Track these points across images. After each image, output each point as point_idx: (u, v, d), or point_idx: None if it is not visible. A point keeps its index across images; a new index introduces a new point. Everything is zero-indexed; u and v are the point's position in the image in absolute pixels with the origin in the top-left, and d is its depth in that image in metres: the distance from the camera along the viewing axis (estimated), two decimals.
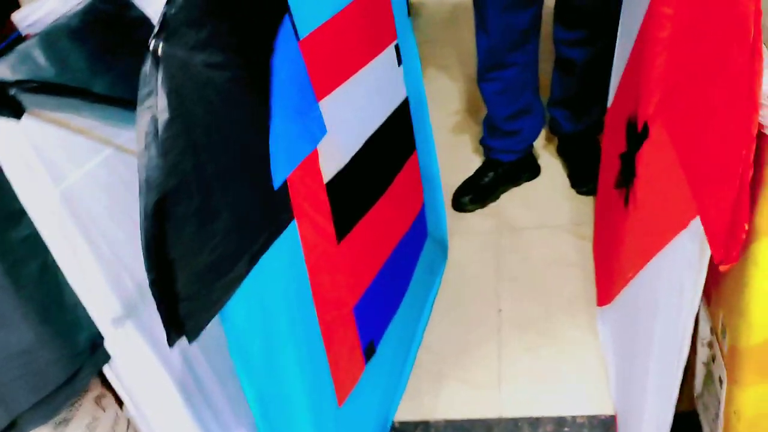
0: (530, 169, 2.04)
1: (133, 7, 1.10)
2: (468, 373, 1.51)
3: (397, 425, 1.46)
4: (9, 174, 0.88)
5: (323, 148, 1.23)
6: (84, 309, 0.93)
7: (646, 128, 1.14)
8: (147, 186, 0.84)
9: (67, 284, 0.92)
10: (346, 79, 1.32)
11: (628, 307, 1.28)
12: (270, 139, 1.06)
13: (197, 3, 0.89)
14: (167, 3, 0.83)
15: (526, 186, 1.97)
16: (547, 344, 1.52)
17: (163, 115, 0.81)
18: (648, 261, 1.10)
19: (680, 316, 0.90)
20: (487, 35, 1.79)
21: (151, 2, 1.13)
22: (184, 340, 0.99)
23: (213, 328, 1.15)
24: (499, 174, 2.00)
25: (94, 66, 1.00)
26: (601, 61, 1.73)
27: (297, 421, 1.17)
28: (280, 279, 1.09)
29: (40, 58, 0.92)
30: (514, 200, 1.93)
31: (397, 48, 1.52)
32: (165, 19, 0.84)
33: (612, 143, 1.53)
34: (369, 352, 1.45)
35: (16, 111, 0.90)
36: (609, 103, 1.59)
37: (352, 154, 1.38)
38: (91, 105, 1.01)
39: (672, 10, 0.99)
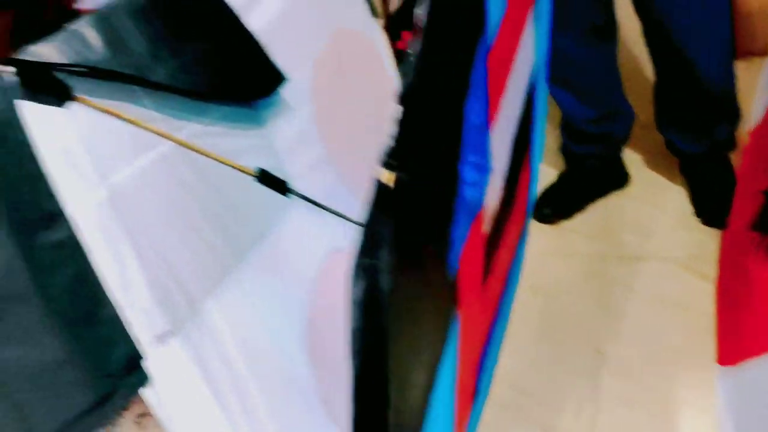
0: (618, 178, 1.83)
1: None
2: (557, 420, 1.33)
3: None
4: (49, 169, 0.78)
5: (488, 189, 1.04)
6: (122, 324, 0.83)
7: None
8: (360, 358, 0.67)
9: (104, 296, 0.82)
10: (506, 87, 1.09)
11: (759, 384, 1.05)
12: (453, 222, 0.88)
13: None
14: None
15: (640, 210, 1.74)
16: (653, 399, 1.31)
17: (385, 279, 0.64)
18: None
19: None
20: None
21: None
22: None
23: (265, 353, 1.04)
24: (583, 183, 1.81)
25: (158, 51, 0.90)
26: (714, 74, 1.50)
27: None
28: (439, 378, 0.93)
29: (93, 38, 0.83)
30: (625, 224, 1.71)
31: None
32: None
33: (753, 171, 1.29)
34: (475, 396, 1.26)
35: (60, 97, 0.80)
36: (754, 121, 1.34)
37: (505, 177, 1.16)
38: (150, 93, 0.91)
39: None
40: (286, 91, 1.11)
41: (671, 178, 1.78)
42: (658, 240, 1.63)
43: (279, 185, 1.09)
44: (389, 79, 1.42)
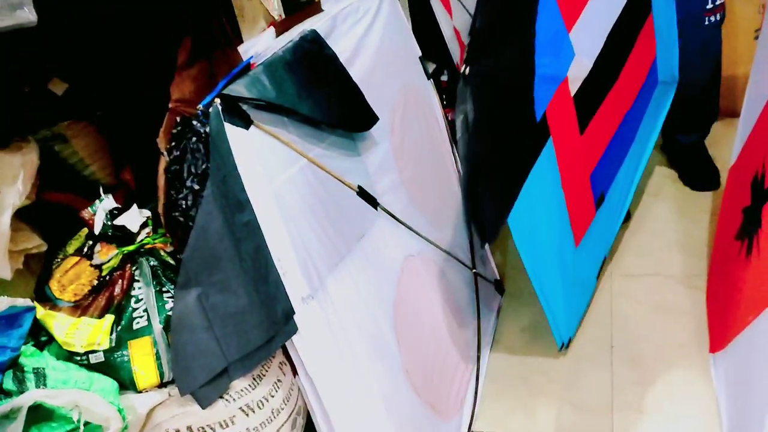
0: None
1: (327, 47, 1.33)
2: (580, 398, 1.61)
3: None
4: (241, 170, 1.09)
5: (571, 66, 1.49)
6: (282, 286, 1.12)
7: None
8: (465, 160, 1.26)
9: (272, 263, 1.12)
10: None
11: (746, 351, 1.36)
12: (534, 89, 1.36)
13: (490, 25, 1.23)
14: (470, 34, 1.20)
15: (640, 238, 2.06)
16: (660, 381, 1.60)
17: (471, 116, 1.19)
18: None
19: None
20: None
21: (338, 43, 1.36)
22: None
23: (364, 322, 1.31)
24: None
25: (301, 92, 1.23)
26: (707, 87, 2.02)
27: (549, 261, 1.57)
28: (539, 176, 1.41)
29: (266, 82, 1.15)
30: (628, 250, 2.03)
31: None
32: (468, 48, 1.22)
33: (734, 199, 1.63)
34: (600, 201, 1.73)
35: (246, 122, 1.12)
36: (732, 161, 1.69)
37: (596, 55, 1.59)
38: (295, 123, 1.23)
39: None
40: (372, 129, 1.44)
41: (665, 216, 2.11)
42: (656, 261, 1.94)
43: (371, 200, 1.40)
44: (439, 123, 1.77)
